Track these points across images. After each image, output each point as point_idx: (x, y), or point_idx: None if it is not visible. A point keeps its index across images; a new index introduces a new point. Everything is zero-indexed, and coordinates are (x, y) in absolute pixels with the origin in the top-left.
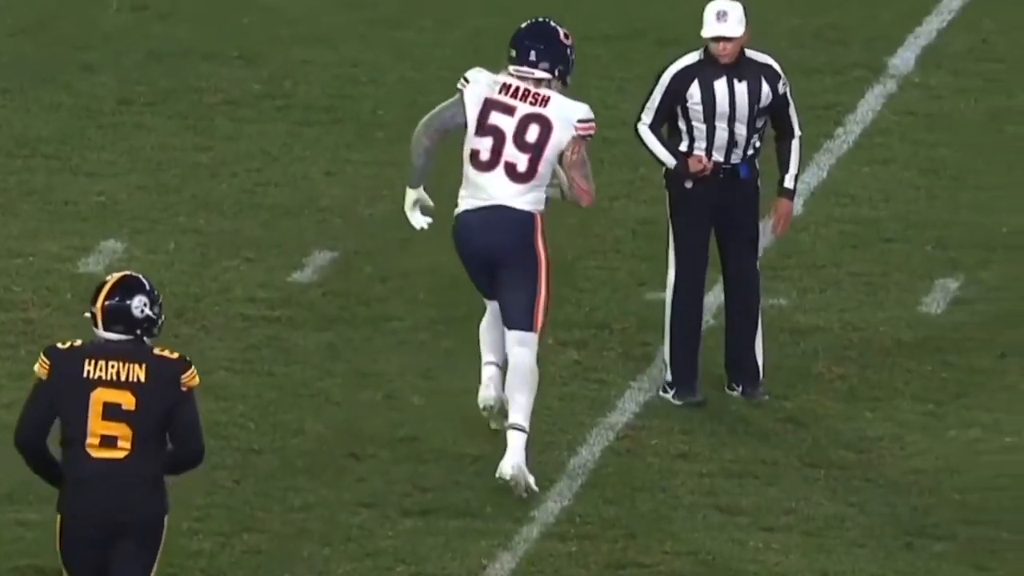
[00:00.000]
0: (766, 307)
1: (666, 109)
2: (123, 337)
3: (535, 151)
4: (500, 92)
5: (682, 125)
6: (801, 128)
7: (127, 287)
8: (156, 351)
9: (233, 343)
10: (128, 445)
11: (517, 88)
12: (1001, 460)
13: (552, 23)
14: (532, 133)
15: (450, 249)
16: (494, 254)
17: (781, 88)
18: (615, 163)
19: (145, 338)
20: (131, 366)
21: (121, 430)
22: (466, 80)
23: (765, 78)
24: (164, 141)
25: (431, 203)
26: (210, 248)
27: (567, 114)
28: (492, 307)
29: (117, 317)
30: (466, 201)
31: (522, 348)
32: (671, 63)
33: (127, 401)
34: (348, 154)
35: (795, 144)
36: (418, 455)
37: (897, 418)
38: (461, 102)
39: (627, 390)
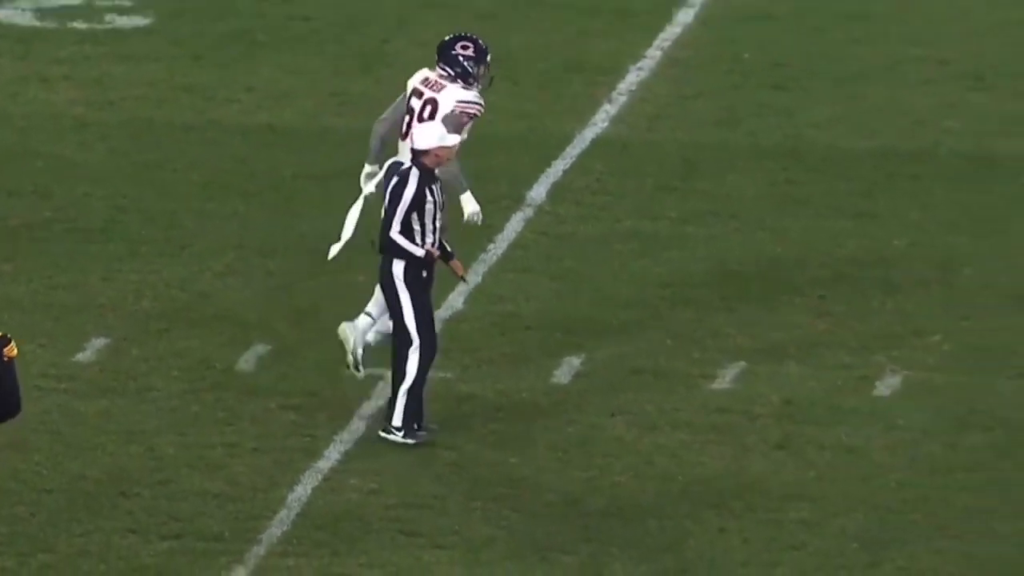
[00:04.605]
0: (437, 379)
1: (409, 217)
2: None
3: None
4: (421, 84)
5: (417, 227)
6: None
7: None
8: None
9: (31, 408)
10: None
11: (427, 79)
12: (614, 493)
13: (463, 35)
14: (427, 112)
15: (197, 336)
16: None
17: None
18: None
19: None
20: None
21: None
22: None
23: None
24: None
25: (380, 176)
26: (13, 336)
27: (451, 95)
28: None
29: None
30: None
31: None
32: (404, 183)
33: None
34: (119, 265)
35: None
36: (172, 494)
37: (535, 463)
38: (404, 94)
39: (332, 443)
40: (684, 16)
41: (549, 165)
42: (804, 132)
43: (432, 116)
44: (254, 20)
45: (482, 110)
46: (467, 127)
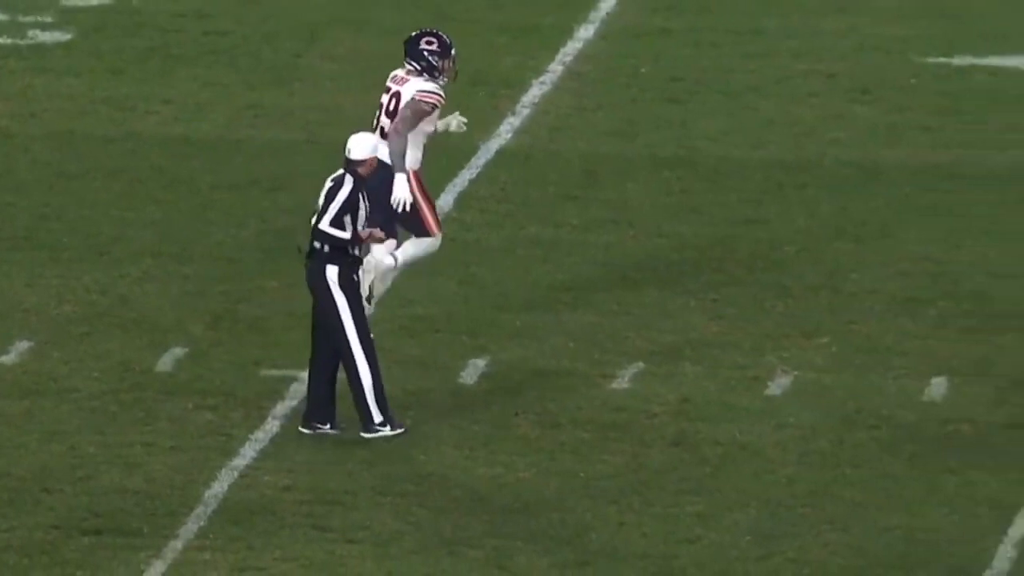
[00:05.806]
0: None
1: (341, 219)
2: None
3: (393, 116)
4: (390, 80)
5: (348, 229)
6: None
7: None
8: None
9: None
10: None
11: (395, 75)
12: (517, 490)
13: (428, 31)
14: (392, 104)
15: (117, 339)
16: None
17: None
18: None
19: None
20: None
21: None
22: None
23: None
24: None
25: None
26: None
27: (413, 86)
28: None
29: None
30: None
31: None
32: (339, 187)
33: None
34: (42, 271)
35: None
36: (93, 490)
37: (443, 460)
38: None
39: (247, 442)
40: (585, 32)
41: (456, 175)
42: (698, 143)
43: (396, 108)
44: (172, 35)
45: (442, 100)
46: (430, 117)
